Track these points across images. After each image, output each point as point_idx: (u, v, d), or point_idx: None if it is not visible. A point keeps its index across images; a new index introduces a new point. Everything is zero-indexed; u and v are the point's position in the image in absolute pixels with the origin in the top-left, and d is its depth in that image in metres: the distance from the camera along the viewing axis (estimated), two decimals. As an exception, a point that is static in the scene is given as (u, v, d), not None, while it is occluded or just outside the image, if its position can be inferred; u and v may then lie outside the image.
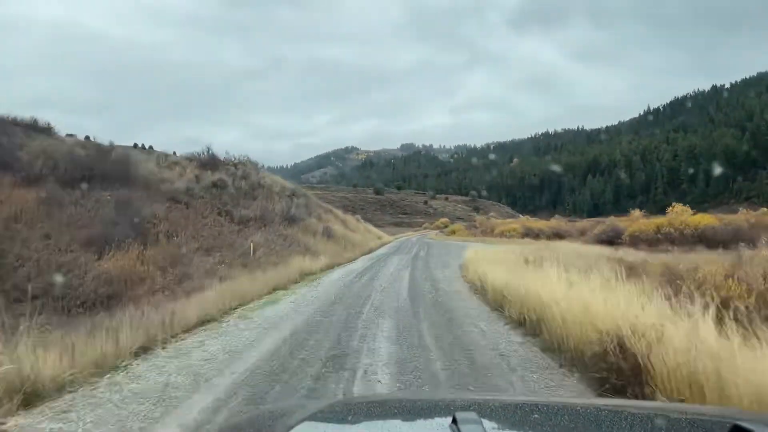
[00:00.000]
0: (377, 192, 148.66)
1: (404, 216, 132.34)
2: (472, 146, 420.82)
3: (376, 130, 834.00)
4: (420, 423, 1.40)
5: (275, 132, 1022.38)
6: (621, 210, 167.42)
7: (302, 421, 1.28)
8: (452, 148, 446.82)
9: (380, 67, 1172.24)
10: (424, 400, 1.86)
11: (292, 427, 1.16)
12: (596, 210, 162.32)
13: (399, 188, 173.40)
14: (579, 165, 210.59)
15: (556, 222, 64.87)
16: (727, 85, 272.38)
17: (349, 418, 1.46)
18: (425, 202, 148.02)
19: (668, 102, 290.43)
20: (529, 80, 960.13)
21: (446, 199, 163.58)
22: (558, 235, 51.97)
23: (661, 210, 46.71)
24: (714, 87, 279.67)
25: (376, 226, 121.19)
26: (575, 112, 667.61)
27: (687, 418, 1.45)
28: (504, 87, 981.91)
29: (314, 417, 1.37)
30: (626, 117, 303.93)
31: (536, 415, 1.43)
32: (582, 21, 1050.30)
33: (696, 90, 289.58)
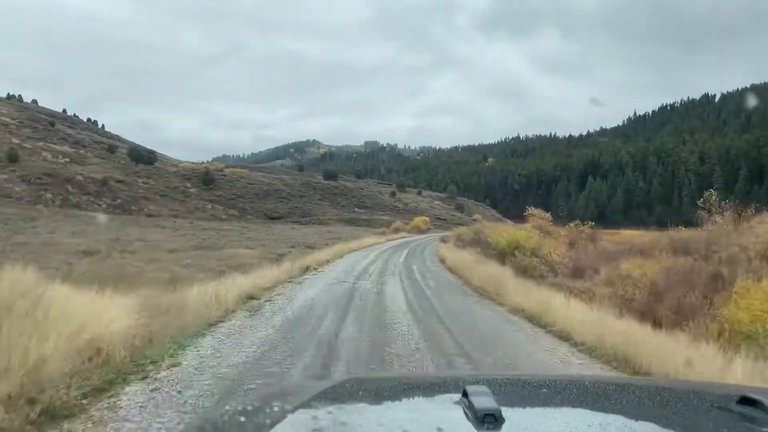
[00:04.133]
0: (329, 176, 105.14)
1: (362, 211, 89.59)
2: (438, 148, 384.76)
3: (340, 127, 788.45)
4: (430, 398, 1.41)
5: (236, 122, 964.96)
6: (632, 220, 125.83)
7: (312, 399, 1.28)
8: (417, 148, 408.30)
9: (345, 63, 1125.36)
10: (434, 377, 1.88)
11: (301, 406, 1.18)
12: (602, 218, 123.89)
13: (358, 176, 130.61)
14: (571, 166, 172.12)
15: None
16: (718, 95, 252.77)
17: (360, 394, 1.45)
18: (392, 194, 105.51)
19: (657, 108, 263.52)
20: (495, 87, 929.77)
21: (419, 193, 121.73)
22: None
23: (687, 223, 23.85)
24: (706, 95, 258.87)
25: (317, 222, 78.26)
26: (538, 122, 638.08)
27: (695, 392, 1.47)
28: (469, 92, 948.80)
29: (324, 394, 1.34)
30: (585, 130, 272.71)
31: (545, 390, 1.43)
32: (551, 31, 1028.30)
33: (687, 98, 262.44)
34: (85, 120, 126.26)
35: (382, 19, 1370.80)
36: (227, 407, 1.23)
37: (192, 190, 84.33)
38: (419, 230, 58.35)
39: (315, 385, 1.52)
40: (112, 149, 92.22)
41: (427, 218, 70.31)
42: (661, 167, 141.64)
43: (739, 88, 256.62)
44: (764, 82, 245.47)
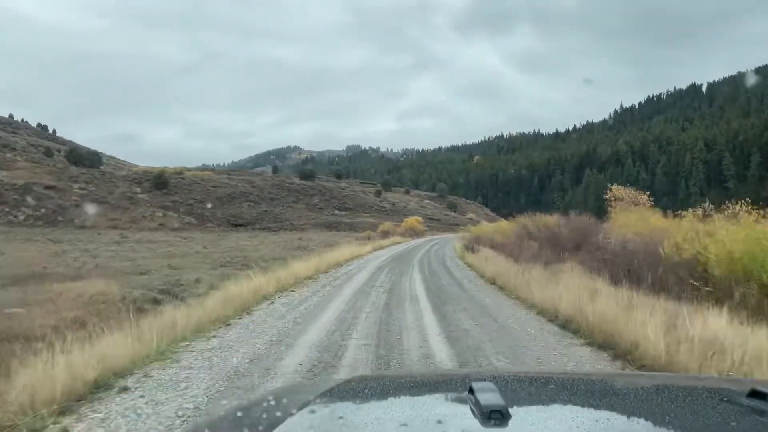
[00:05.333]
0: (305, 176, 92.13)
1: (344, 213, 76.71)
2: (421, 149, 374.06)
3: (321, 132, 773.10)
4: (437, 395, 1.40)
5: (216, 131, 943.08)
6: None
7: (318, 397, 1.27)
8: (400, 151, 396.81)
9: (324, 67, 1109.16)
10: (440, 375, 1.88)
11: (308, 403, 1.17)
12: (603, 212, 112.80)
13: (339, 176, 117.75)
14: (566, 159, 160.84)
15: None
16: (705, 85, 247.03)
17: (365, 392, 1.44)
18: (377, 194, 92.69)
19: (643, 100, 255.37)
20: (475, 87, 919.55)
21: (407, 192, 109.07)
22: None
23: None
24: (693, 85, 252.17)
25: (290, 228, 65.32)
26: (518, 120, 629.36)
27: (704, 386, 1.45)
28: (450, 93, 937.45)
29: (330, 392, 1.34)
30: (567, 126, 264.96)
31: (552, 386, 1.42)
32: (527, 29, 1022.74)
33: (673, 89, 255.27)
34: (19, 120, 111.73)
35: (359, 23, 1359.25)
36: (232, 405, 1.21)
37: (142, 196, 70.82)
38: (414, 232, 45.65)
39: (321, 383, 1.46)
40: (49, 152, 78.25)
41: (419, 218, 57.60)
42: (664, 157, 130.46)
43: (725, 77, 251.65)
44: (755, 68, 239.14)
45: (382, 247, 29.42)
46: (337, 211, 76.73)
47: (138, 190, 72.67)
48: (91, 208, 61.35)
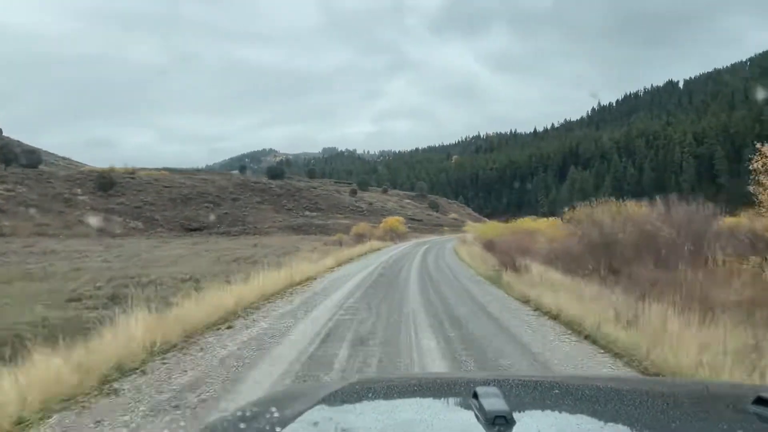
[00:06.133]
0: (273, 175, 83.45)
1: (315, 214, 68.30)
2: (398, 151, 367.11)
3: (297, 135, 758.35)
4: (441, 399, 1.38)
5: (192, 134, 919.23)
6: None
7: (322, 400, 1.25)
8: (377, 152, 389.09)
9: (299, 70, 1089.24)
10: (444, 378, 1.79)
11: (311, 407, 1.17)
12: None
13: (312, 176, 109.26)
14: (549, 156, 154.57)
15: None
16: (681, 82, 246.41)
17: (369, 396, 1.42)
18: (353, 193, 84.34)
19: (621, 98, 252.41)
20: (451, 88, 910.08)
21: (385, 192, 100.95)
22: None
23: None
24: (670, 81, 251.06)
25: (253, 232, 56.72)
26: (495, 121, 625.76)
27: (709, 392, 1.44)
28: (426, 94, 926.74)
29: (334, 396, 1.33)
30: (545, 125, 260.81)
31: (556, 391, 1.40)
32: (502, 29, 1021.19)
33: (650, 86, 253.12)
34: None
35: (333, 25, 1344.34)
36: (235, 409, 1.19)
37: (82, 197, 61.59)
38: (396, 234, 37.39)
39: (324, 386, 1.45)
40: (-23, 150, 68.22)
41: (399, 218, 49.46)
42: (652, 151, 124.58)
43: (702, 73, 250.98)
44: (730, 65, 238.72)
45: (352, 259, 21.09)
46: (307, 213, 68.27)
47: (79, 191, 63.40)
48: (18, 212, 52.09)
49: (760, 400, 1.05)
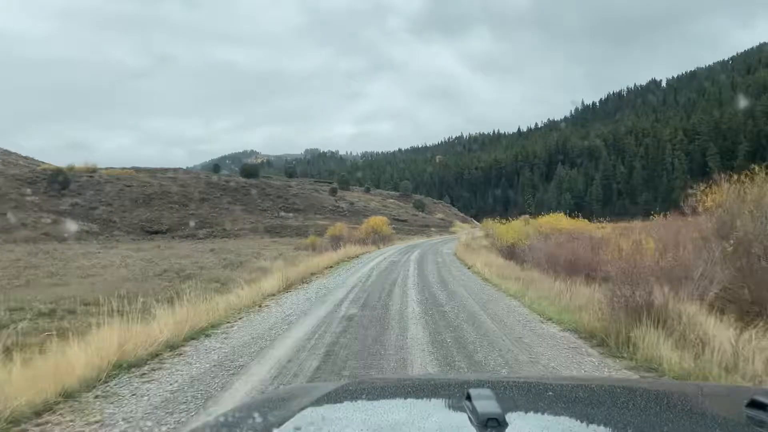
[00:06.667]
0: (248, 174, 77.60)
1: (292, 215, 62.69)
2: (380, 152, 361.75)
3: (279, 136, 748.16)
4: (434, 401, 1.37)
5: (172, 137, 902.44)
6: (615, 210, 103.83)
7: (315, 401, 1.24)
8: (359, 154, 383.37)
9: (281, 71, 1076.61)
10: (438, 380, 1.78)
11: (305, 408, 1.16)
12: (579, 209, 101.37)
13: (290, 174, 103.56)
14: (535, 154, 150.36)
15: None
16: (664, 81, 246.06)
17: (363, 396, 1.41)
18: (333, 192, 78.73)
19: (603, 97, 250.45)
20: (432, 89, 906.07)
21: (367, 191, 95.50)
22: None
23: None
24: (653, 80, 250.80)
25: (221, 235, 50.91)
26: (476, 123, 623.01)
27: (704, 395, 1.43)
28: (407, 95, 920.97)
29: (328, 397, 1.32)
30: (527, 125, 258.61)
31: (550, 393, 1.40)
32: (482, 31, 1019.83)
33: (633, 85, 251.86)
34: None
35: (314, 26, 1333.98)
36: (229, 410, 1.20)
37: (31, 198, 55.29)
38: (379, 237, 31.87)
39: (319, 387, 1.46)
40: None
41: (383, 218, 44.08)
42: (642, 149, 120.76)
43: (685, 72, 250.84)
44: (712, 64, 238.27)
45: (315, 274, 15.04)
46: (283, 213, 62.56)
47: (28, 191, 57.06)
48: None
49: (753, 403, 1.04)
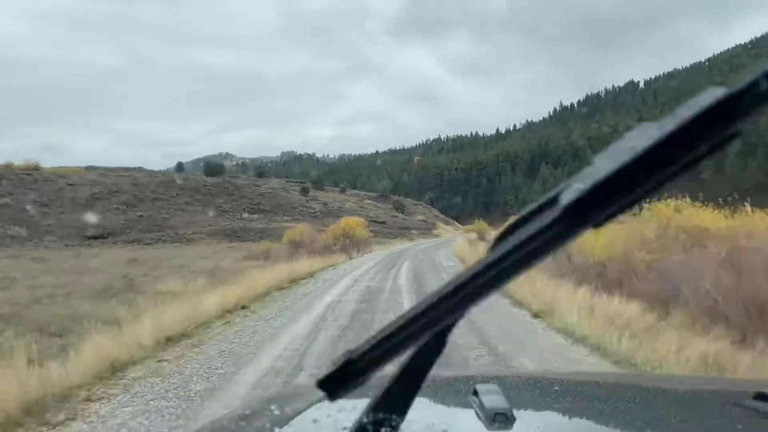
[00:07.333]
0: (211, 173, 70.11)
1: (256, 216, 55.62)
2: (358, 154, 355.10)
3: (256, 139, 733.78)
4: (439, 397, 1.34)
5: (148, 140, 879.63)
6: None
7: (322, 397, 1.28)
8: (336, 156, 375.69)
9: (259, 73, 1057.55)
10: (444, 376, 1.71)
11: (311, 405, 1.13)
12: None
13: (261, 174, 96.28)
14: (517, 155, 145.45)
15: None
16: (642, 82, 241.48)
17: (369, 393, 1.41)
18: (304, 192, 71.71)
19: (582, 98, 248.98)
20: (411, 92, 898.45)
21: (342, 191, 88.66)
22: None
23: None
24: (631, 81, 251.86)
25: (172, 239, 43.50)
26: (455, 125, 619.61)
27: (711, 388, 1.44)
28: (386, 98, 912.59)
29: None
30: (506, 127, 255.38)
31: (556, 388, 1.38)
32: (462, 34, 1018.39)
33: (611, 86, 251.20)
34: None
35: (292, 28, 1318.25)
36: (235, 408, 1.16)
37: (-51, 198, 47.47)
38: (353, 242, 25.13)
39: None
40: None
41: (359, 220, 37.32)
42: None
43: (662, 73, 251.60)
44: (689, 65, 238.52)
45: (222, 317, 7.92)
46: (246, 215, 55.41)
47: (-52, 190, 49.22)
48: None
49: (760, 396, 1.03)
